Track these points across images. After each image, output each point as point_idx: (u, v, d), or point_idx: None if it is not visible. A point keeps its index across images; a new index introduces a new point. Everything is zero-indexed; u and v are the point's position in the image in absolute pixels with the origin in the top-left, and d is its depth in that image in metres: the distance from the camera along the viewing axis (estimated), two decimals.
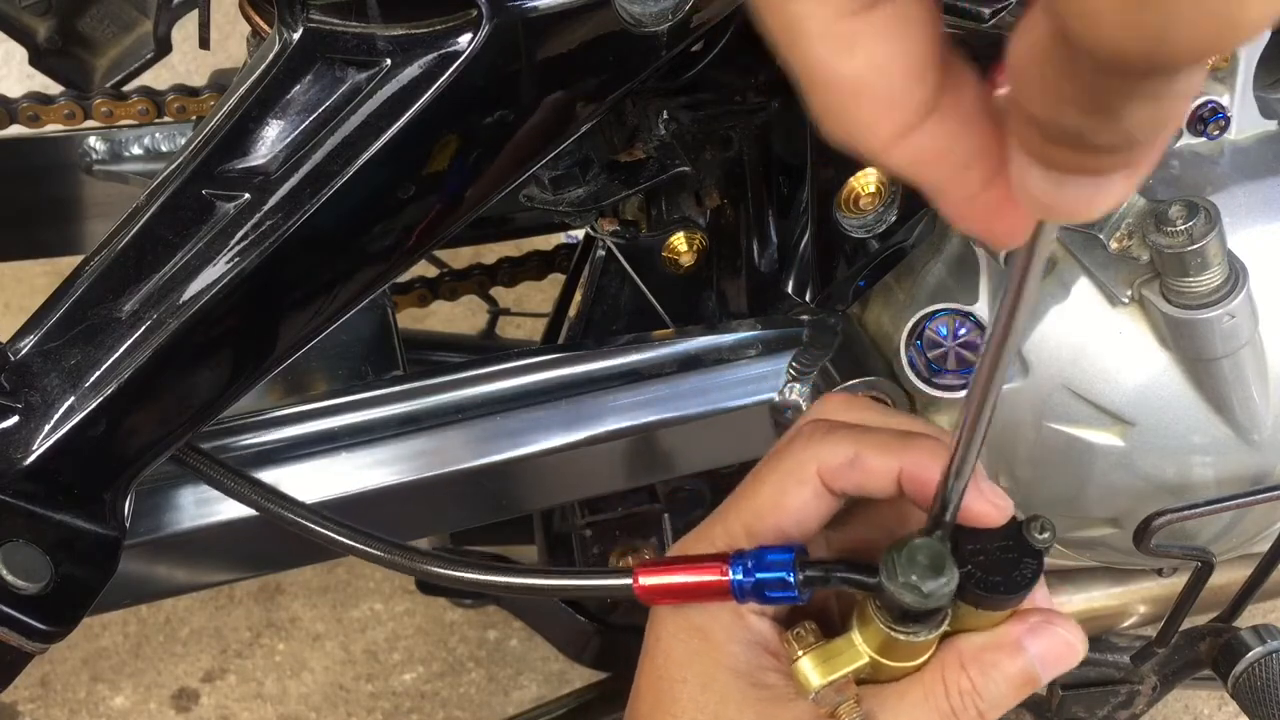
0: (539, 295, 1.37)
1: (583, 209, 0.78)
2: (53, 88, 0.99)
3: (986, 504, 0.47)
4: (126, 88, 1.00)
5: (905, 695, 0.49)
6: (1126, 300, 0.73)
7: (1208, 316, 0.70)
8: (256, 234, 0.57)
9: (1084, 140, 0.25)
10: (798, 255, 0.86)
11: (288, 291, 0.60)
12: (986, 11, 0.62)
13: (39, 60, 0.95)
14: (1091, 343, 0.76)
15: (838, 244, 0.81)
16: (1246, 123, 0.76)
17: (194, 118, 1.02)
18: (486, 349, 1.30)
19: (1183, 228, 0.67)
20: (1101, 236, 0.73)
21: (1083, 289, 0.75)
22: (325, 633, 1.54)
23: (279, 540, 0.76)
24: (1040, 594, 0.51)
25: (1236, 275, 0.70)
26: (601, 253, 0.87)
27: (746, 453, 0.82)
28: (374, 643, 1.53)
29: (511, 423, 0.77)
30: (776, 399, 0.80)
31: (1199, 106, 0.75)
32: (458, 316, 1.65)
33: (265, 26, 0.73)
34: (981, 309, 0.78)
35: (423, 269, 1.15)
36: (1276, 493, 0.78)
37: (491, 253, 1.27)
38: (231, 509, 0.72)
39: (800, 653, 0.49)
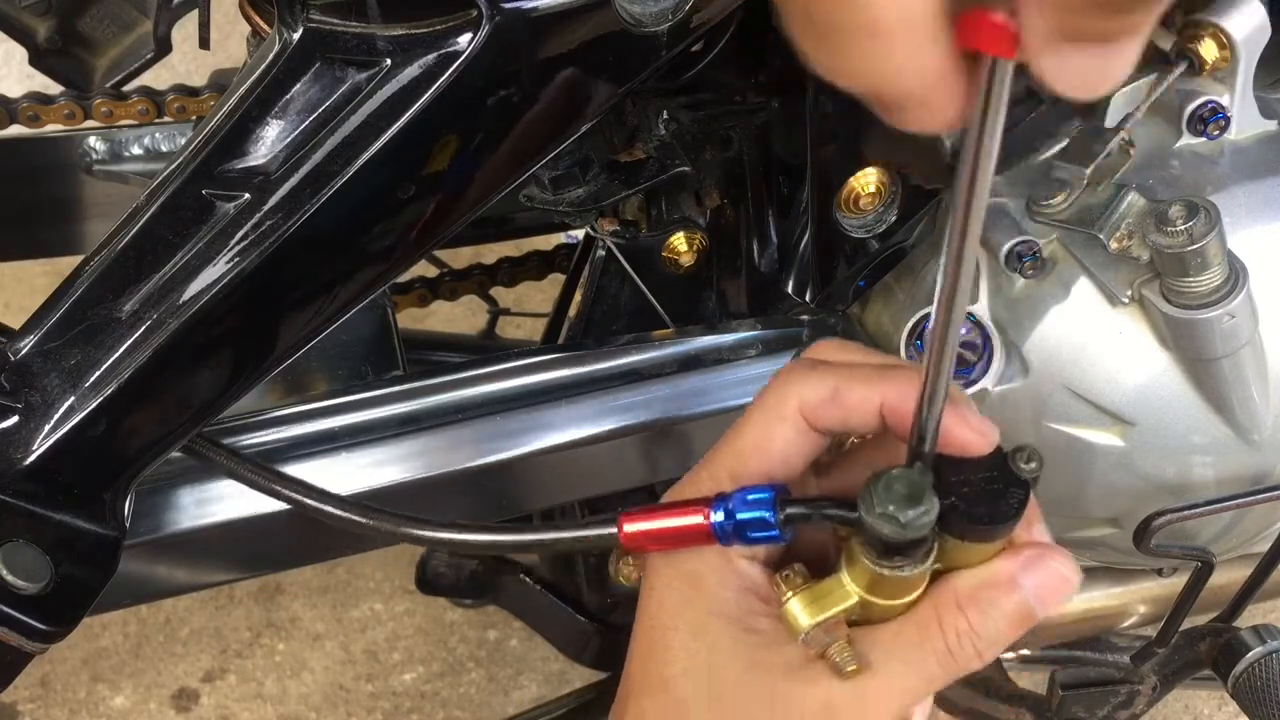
0: (539, 295, 1.37)
1: (583, 209, 0.78)
2: (53, 88, 0.99)
3: (969, 430, 0.46)
4: (126, 88, 1.00)
5: (900, 635, 0.49)
6: (1126, 300, 0.73)
7: (1208, 316, 0.70)
8: (256, 234, 0.57)
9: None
10: (798, 255, 0.86)
11: (288, 291, 0.60)
12: None
13: (39, 60, 0.95)
14: (1091, 343, 0.76)
15: (838, 244, 0.81)
16: (1246, 123, 0.76)
17: (194, 118, 1.02)
18: (486, 349, 1.30)
19: (1183, 228, 0.67)
20: (1101, 237, 0.73)
21: (1083, 289, 0.75)
22: (325, 633, 1.54)
23: (279, 540, 0.76)
24: (1038, 528, 0.50)
25: (1236, 275, 0.70)
26: (601, 253, 0.87)
27: None
28: (374, 643, 1.53)
29: (511, 423, 0.77)
30: None
31: (1199, 106, 0.75)
32: (458, 316, 1.65)
33: (265, 26, 0.73)
34: (982, 309, 0.78)
35: (423, 269, 1.15)
36: (1276, 493, 0.78)
37: (491, 253, 1.27)
38: (231, 509, 0.72)
39: (789, 594, 0.48)
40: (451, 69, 0.55)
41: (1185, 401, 0.76)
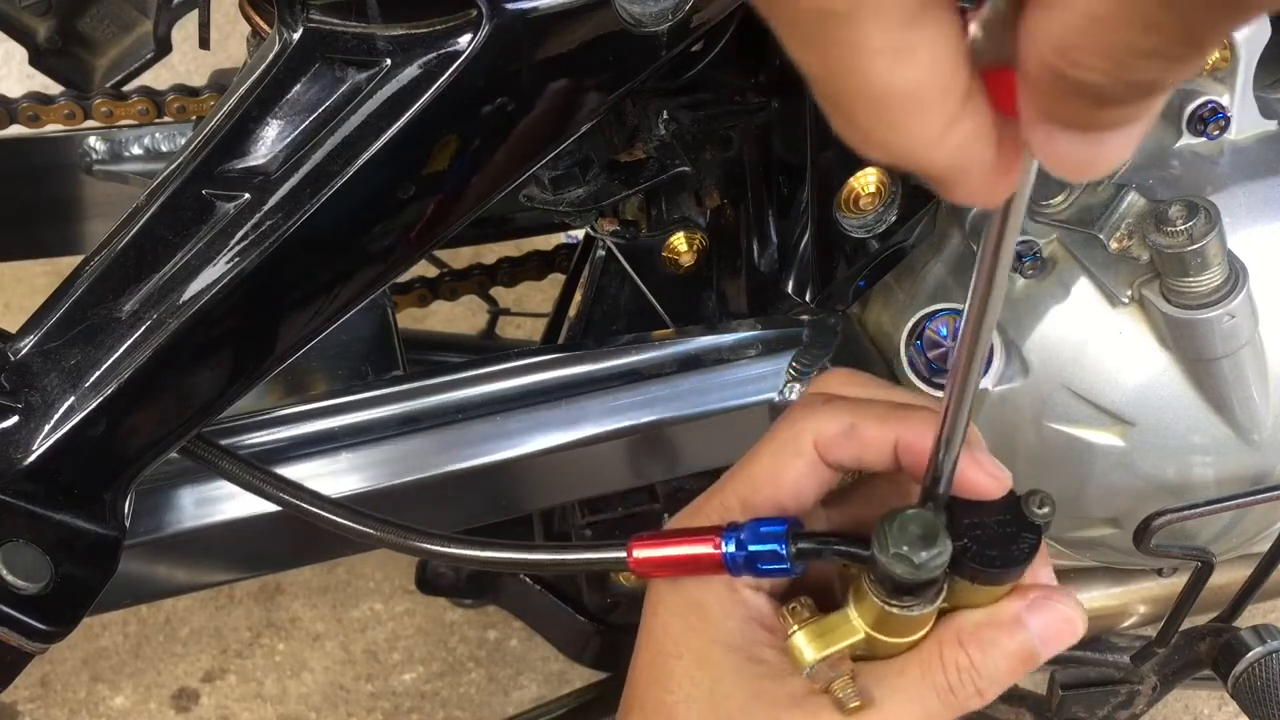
0: (539, 295, 1.37)
1: (583, 209, 0.78)
2: (53, 88, 0.99)
3: (984, 475, 0.47)
4: (126, 88, 1.00)
5: (903, 672, 0.49)
6: (1126, 300, 0.73)
7: (1208, 316, 0.70)
8: (256, 234, 0.57)
9: (1150, 88, 0.25)
10: (798, 255, 0.86)
11: (288, 291, 0.60)
12: None
13: (39, 60, 0.95)
14: (1091, 343, 0.76)
15: (838, 244, 0.81)
16: (1246, 123, 0.76)
17: (194, 118, 1.02)
18: (486, 349, 1.30)
19: (1183, 228, 0.67)
20: (1101, 236, 0.73)
21: (1083, 289, 0.75)
22: (325, 633, 1.54)
23: (279, 540, 0.76)
24: (1044, 572, 0.50)
25: (1236, 275, 0.70)
26: (601, 253, 0.87)
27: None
28: (374, 643, 1.53)
29: (511, 423, 0.77)
30: (776, 399, 0.80)
31: (1199, 106, 0.75)
32: (458, 316, 1.65)
33: (265, 26, 0.73)
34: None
35: (423, 269, 1.15)
36: (1276, 493, 0.78)
37: (491, 253, 1.27)
38: (231, 509, 0.72)
39: (795, 628, 0.48)
40: (451, 69, 0.55)
41: (1185, 401, 0.76)
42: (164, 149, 1.01)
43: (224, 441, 0.73)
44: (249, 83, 0.57)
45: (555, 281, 1.11)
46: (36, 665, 0.94)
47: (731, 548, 0.49)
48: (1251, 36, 0.73)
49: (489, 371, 0.78)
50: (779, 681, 0.49)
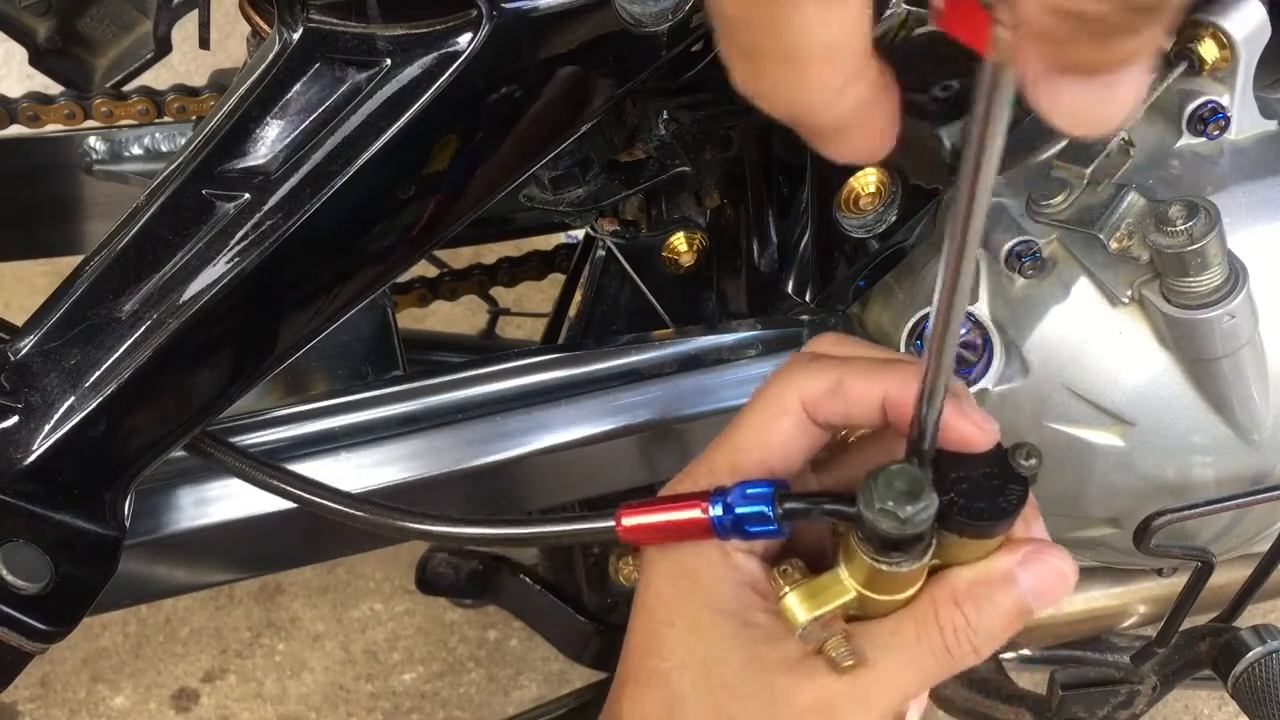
0: (539, 295, 1.37)
1: (583, 209, 0.78)
2: (53, 88, 0.99)
3: (970, 425, 0.46)
4: (126, 88, 1.00)
5: (897, 631, 0.48)
6: (1126, 300, 0.73)
7: (1208, 316, 0.70)
8: (256, 234, 0.57)
9: (1155, 9, 0.26)
10: (798, 255, 0.86)
11: (288, 291, 0.60)
12: None
13: (39, 60, 0.95)
14: (1091, 343, 0.76)
15: (838, 244, 0.81)
16: (1246, 123, 0.76)
17: (194, 118, 1.02)
18: (486, 349, 1.30)
19: (1183, 228, 0.67)
20: (1101, 237, 0.73)
21: (1083, 289, 0.75)
22: (325, 633, 1.54)
23: (279, 540, 0.76)
24: (1036, 526, 0.50)
25: (1236, 275, 0.70)
26: (601, 253, 0.87)
27: None
28: (374, 643, 1.53)
29: (511, 423, 0.77)
30: None
31: (1199, 106, 0.75)
32: (458, 316, 1.65)
33: (265, 26, 0.73)
34: (982, 309, 0.78)
35: (423, 269, 1.15)
36: (1276, 493, 0.78)
37: (491, 253, 1.27)
38: (231, 509, 0.72)
39: (786, 589, 0.48)
40: (451, 69, 0.55)
41: (1185, 401, 0.76)
42: (164, 149, 1.01)
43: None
44: (249, 83, 0.57)
45: (555, 281, 1.11)
46: (36, 665, 0.94)
47: (718, 511, 0.48)
48: (1251, 36, 0.73)
49: (489, 371, 0.78)
50: (772, 645, 0.49)
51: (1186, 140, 0.76)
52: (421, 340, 1.32)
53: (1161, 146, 0.77)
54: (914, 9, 0.65)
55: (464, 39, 0.55)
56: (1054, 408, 0.78)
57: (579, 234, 1.08)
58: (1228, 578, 0.89)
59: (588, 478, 0.83)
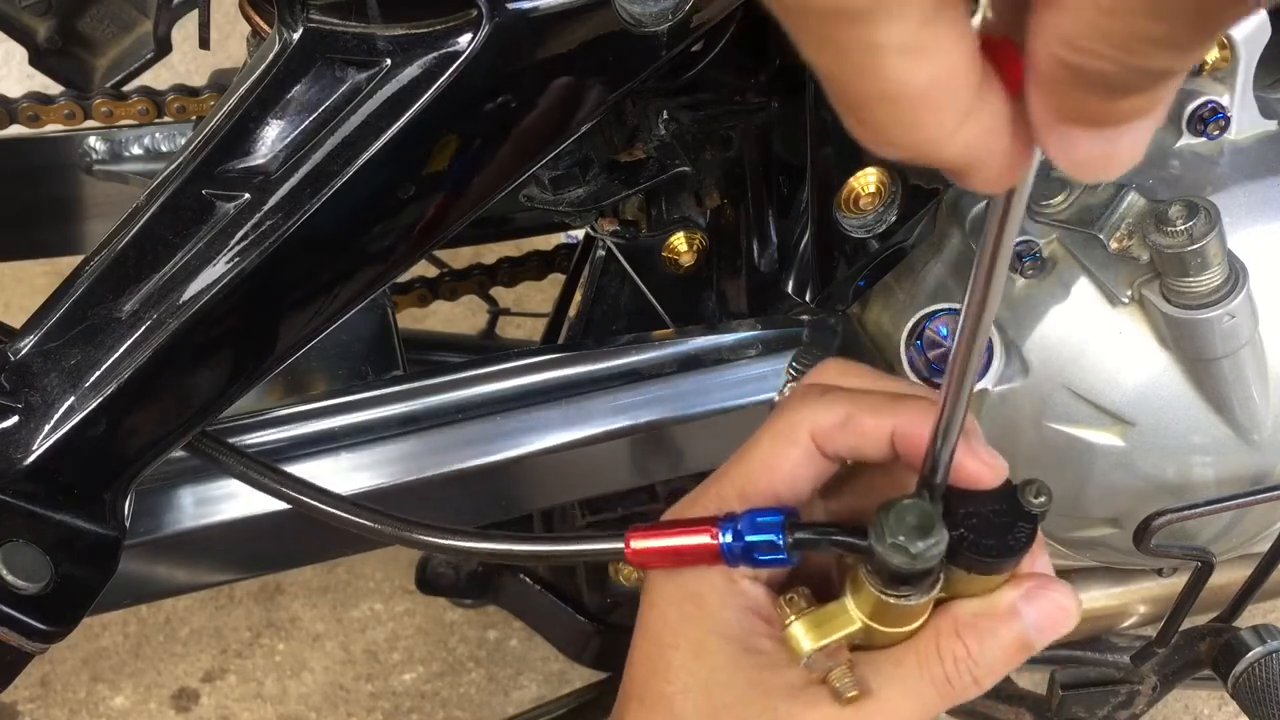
0: (539, 295, 1.37)
1: (583, 209, 0.78)
2: (53, 88, 0.99)
3: (979, 464, 0.47)
4: (126, 88, 1.00)
5: (900, 662, 0.49)
6: (1126, 300, 0.73)
7: (1208, 316, 0.70)
8: (256, 234, 0.57)
9: (1158, 76, 0.26)
10: (798, 255, 0.86)
11: (288, 291, 0.60)
12: None
13: (39, 60, 0.95)
14: (1091, 343, 0.76)
15: (838, 244, 0.81)
16: (1246, 123, 0.76)
17: (194, 118, 1.02)
18: (486, 349, 1.30)
19: (1183, 228, 0.67)
20: (1101, 236, 0.73)
21: (1083, 289, 0.75)
22: (325, 633, 1.54)
23: (279, 540, 0.76)
24: (1041, 561, 0.50)
25: (1236, 275, 0.70)
26: (601, 253, 0.87)
27: None
28: (374, 643, 1.53)
29: (511, 423, 0.77)
30: (776, 399, 0.80)
31: (1199, 106, 0.75)
32: (458, 316, 1.65)
33: (265, 26, 0.73)
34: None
35: (423, 269, 1.15)
36: (1276, 493, 0.78)
37: (491, 253, 1.27)
38: (231, 509, 0.72)
39: (792, 617, 0.48)
40: (451, 69, 0.55)
41: (1185, 401, 0.76)
42: (164, 149, 1.01)
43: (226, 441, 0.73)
44: (249, 83, 0.57)
45: (555, 281, 1.11)
46: (36, 665, 0.94)
47: (728, 538, 0.49)
48: (1251, 36, 0.73)
49: (489, 371, 0.78)
50: (776, 671, 0.49)
51: (1186, 140, 0.76)
52: (421, 340, 1.32)
53: (1161, 146, 0.77)
54: None
55: (464, 39, 0.55)
56: (1054, 408, 0.78)
57: (579, 234, 1.08)
58: (1228, 578, 0.89)
59: (587, 478, 0.83)
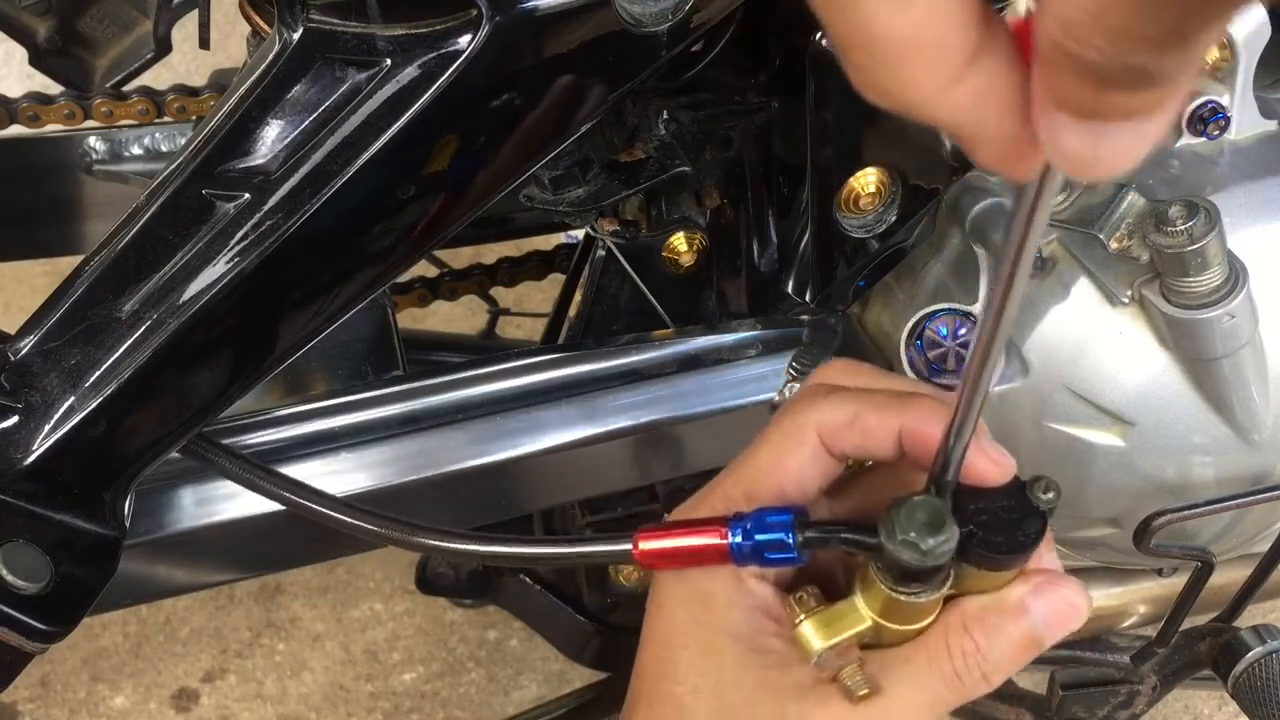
0: (539, 295, 1.37)
1: (583, 209, 0.78)
2: (53, 88, 0.99)
3: (988, 461, 0.47)
4: (126, 88, 1.00)
5: (909, 659, 0.49)
6: (1126, 300, 0.73)
7: (1208, 316, 0.70)
8: (256, 234, 0.57)
9: (1142, 77, 0.26)
10: (798, 255, 0.86)
11: (288, 291, 0.60)
12: None
13: (39, 60, 0.95)
14: (1091, 343, 0.76)
15: (838, 244, 0.81)
16: (1246, 123, 0.76)
17: (194, 118, 1.02)
18: (486, 349, 1.30)
19: (1183, 228, 0.67)
20: (1101, 236, 0.73)
21: (1083, 289, 0.75)
22: (325, 633, 1.54)
23: (279, 540, 0.76)
24: (1049, 557, 0.50)
25: (1236, 275, 0.70)
26: (601, 253, 0.87)
27: None
28: (374, 643, 1.53)
29: (511, 423, 0.77)
30: (776, 399, 0.80)
31: (1199, 106, 0.75)
32: (458, 316, 1.65)
33: (265, 26, 0.73)
34: (982, 309, 0.78)
35: (423, 269, 1.15)
36: (1276, 493, 0.78)
37: (491, 253, 1.27)
38: (231, 509, 0.72)
39: (802, 617, 0.48)
40: (451, 69, 0.55)
41: (1185, 401, 0.76)
42: (164, 149, 1.01)
43: (224, 441, 0.73)
44: (249, 83, 0.57)
45: (555, 281, 1.11)
46: (36, 665, 0.94)
47: (738, 538, 0.48)
48: (1251, 36, 0.73)
49: (489, 371, 0.78)
50: (785, 671, 0.49)
51: (1186, 140, 0.76)
52: (421, 340, 1.32)
53: (1161, 146, 0.77)
54: None
55: (464, 39, 0.55)
56: (1054, 408, 0.78)
57: (579, 234, 1.08)
58: (1228, 578, 0.89)
59: (588, 478, 0.83)
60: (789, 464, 0.50)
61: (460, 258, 1.28)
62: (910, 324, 0.79)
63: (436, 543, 0.60)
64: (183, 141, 0.99)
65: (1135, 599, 1.01)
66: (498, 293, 1.23)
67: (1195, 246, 0.67)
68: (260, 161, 0.57)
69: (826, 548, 0.48)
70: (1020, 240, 0.36)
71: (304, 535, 0.77)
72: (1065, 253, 0.76)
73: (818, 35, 0.70)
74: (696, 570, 0.51)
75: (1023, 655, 0.49)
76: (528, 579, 1.21)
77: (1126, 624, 1.04)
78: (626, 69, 0.60)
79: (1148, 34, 0.24)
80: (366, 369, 0.86)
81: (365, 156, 0.56)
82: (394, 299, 1.08)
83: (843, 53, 0.29)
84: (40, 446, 0.57)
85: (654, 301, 0.88)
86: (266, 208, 0.57)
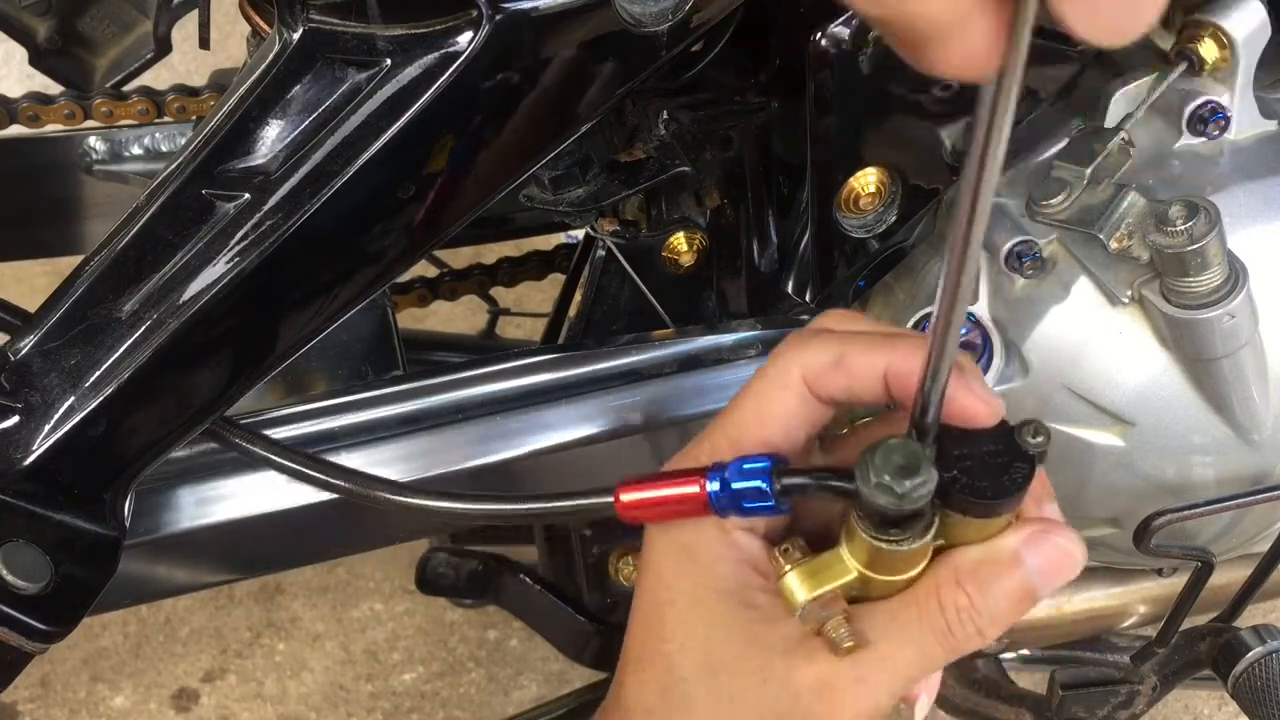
0: (539, 295, 1.37)
1: (583, 209, 0.78)
2: (53, 88, 0.99)
3: (975, 399, 0.45)
4: (126, 88, 1.00)
5: (898, 613, 0.47)
6: (1126, 300, 0.73)
7: (1208, 316, 0.70)
8: (256, 234, 0.57)
9: None
10: (798, 255, 0.86)
11: (288, 291, 0.60)
12: None
13: (39, 60, 0.95)
14: (1091, 343, 0.76)
15: (838, 244, 0.81)
16: (1246, 123, 0.76)
17: (194, 118, 1.02)
18: (486, 349, 1.30)
19: (1183, 228, 0.67)
20: (1101, 237, 0.73)
21: (1083, 289, 0.75)
22: (325, 633, 1.54)
23: (279, 540, 0.76)
24: (1050, 507, 0.49)
25: (1236, 275, 0.70)
26: (601, 253, 0.87)
27: None
28: (374, 643, 1.53)
29: (511, 423, 0.77)
30: None
31: (1199, 106, 0.75)
32: (458, 316, 1.65)
33: (265, 26, 0.73)
34: (982, 309, 0.78)
35: (423, 269, 1.15)
36: (1276, 493, 0.78)
37: (491, 253, 1.27)
38: (231, 509, 0.72)
39: (786, 568, 0.47)
40: (451, 69, 0.55)
41: (1185, 401, 0.76)
42: (164, 149, 1.01)
43: None
44: (249, 83, 0.57)
45: (555, 281, 1.11)
46: (36, 665, 0.94)
47: (715, 486, 0.47)
48: (1251, 36, 0.73)
49: (489, 371, 0.78)
50: (772, 626, 0.48)
51: (1186, 140, 0.76)
52: (421, 340, 1.32)
53: (1161, 146, 0.77)
54: None
55: (464, 39, 0.55)
56: (1054, 408, 0.78)
57: (579, 234, 1.08)
58: (1228, 578, 0.89)
59: (588, 478, 0.83)
60: (774, 410, 0.49)
61: (460, 258, 1.28)
62: (910, 324, 0.79)
63: (420, 501, 0.60)
64: (183, 141, 0.99)
65: (1135, 599, 1.01)
66: (498, 293, 1.23)
67: (1195, 246, 0.67)
68: (260, 161, 0.57)
69: (804, 494, 0.47)
70: (981, 157, 0.34)
71: (304, 535, 0.77)
72: (1065, 253, 0.76)
73: (817, 35, 0.70)
74: (683, 524, 0.50)
75: (1018, 608, 0.47)
76: (528, 579, 1.21)
77: (1126, 624, 1.04)
78: (626, 69, 0.60)
79: None
80: (366, 369, 0.86)
81: (365, 156, 0.56)
82: (394, 299, 1.08)
83: None
84: (40, 446, 0.57)
85: (654, 301, 0.88)
86: (266, 208, 0.57)
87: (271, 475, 0.71)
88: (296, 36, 0.55)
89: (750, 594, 0.49)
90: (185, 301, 0.57)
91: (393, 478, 0.75)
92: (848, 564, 0.47)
